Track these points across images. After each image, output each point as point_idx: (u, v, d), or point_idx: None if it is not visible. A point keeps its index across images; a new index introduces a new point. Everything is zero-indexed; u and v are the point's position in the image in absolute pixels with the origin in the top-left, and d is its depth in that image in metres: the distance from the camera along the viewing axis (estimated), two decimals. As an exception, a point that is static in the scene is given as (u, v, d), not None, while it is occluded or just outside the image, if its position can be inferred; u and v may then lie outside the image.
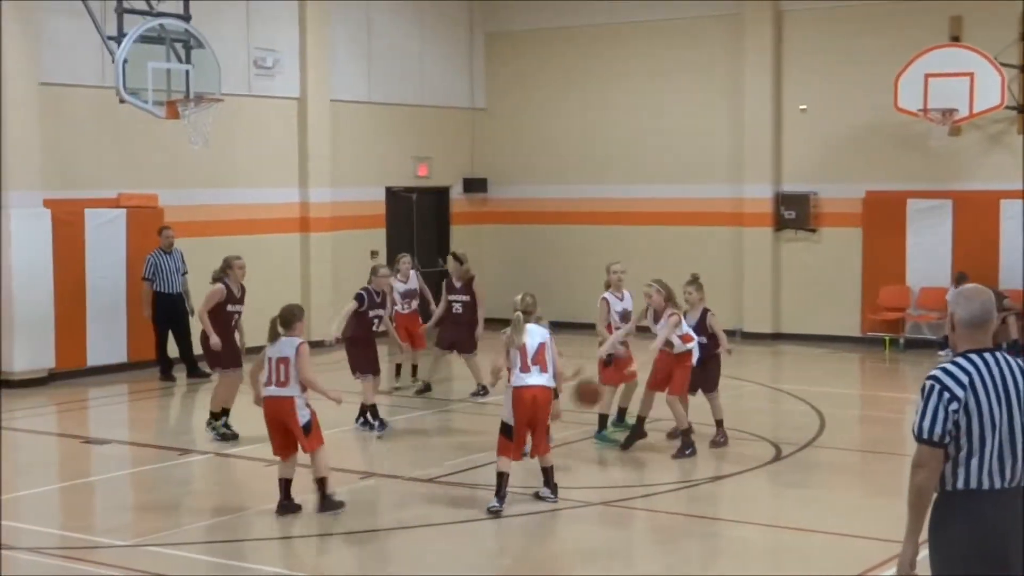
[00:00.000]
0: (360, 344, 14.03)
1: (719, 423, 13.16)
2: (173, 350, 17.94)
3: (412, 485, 11.65)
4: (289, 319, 10.64)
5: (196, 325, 17.66)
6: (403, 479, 11.87)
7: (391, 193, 22.84)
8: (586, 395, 11.65)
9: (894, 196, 20.67)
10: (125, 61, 15.91)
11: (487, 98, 24.53)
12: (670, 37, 22.65)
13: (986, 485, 5.38)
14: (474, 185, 24.23)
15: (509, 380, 10.45)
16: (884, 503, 11.42)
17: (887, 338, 20.59)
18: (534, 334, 10.57)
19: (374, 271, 14.53)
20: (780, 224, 21.73)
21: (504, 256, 24.14)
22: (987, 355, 5.46)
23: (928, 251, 20.44)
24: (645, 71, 22.91)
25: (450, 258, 16.76)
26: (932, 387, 5.42)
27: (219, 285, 13.75)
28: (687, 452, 12.56)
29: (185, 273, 17.93)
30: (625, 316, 13.46)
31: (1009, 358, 5.51)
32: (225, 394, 13.74)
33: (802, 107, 21.47)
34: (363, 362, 13.97)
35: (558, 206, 23.75)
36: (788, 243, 21.80)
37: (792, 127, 21.68)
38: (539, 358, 10.44)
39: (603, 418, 13.23)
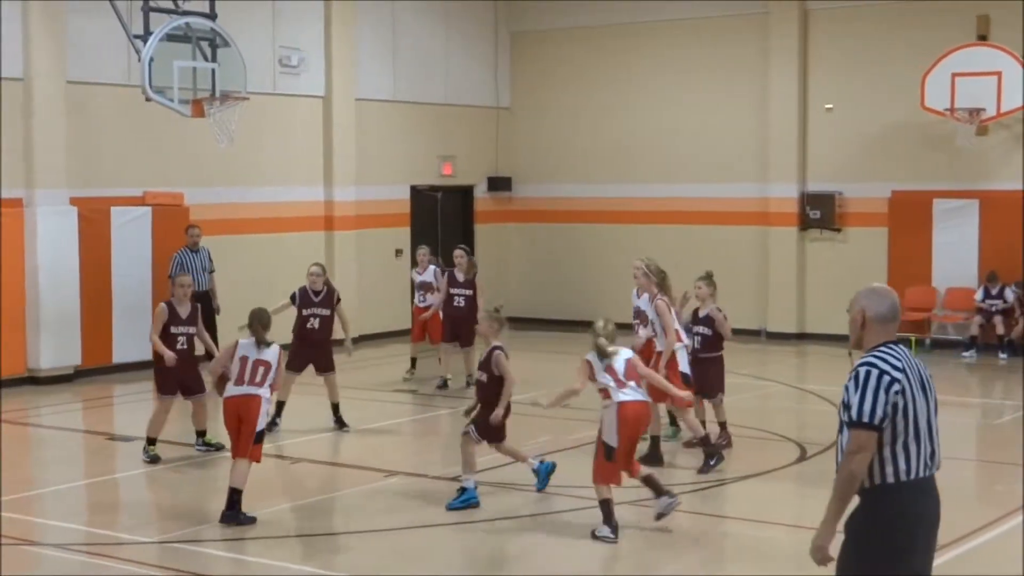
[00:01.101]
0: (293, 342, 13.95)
1: (722, 425, 12.83)
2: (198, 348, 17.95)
3: (436, 484, 11.65)
4: (268, 324, 10.62)
5: (222, 324, 17.82)
6: (428, 478, 11.87)
7: (416, 192, 22.86)
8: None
9: (920, 196, 20.58)
10: (151, 60, 15.96)
11: (512, 97, 24.53)
12: (696, 36, 22.60)
13: (918, 474, 5.49)
14: (498, 184, 24.23)
15: (606, 400, 9.99)
16: (909, 504, 11.38)
17: (913, 339, 20.46)
18: (620, 352, 10.21)
19: (309, 271, 14.22)
20: (805, 224, 21.66)
21: (528, 255, 24.15)
22: (902, 347, 5.58)
23: (954, 251, 20.33)
24: (670, 70, 22.87)
25: (462, 251, 16.67)
26: (868, 372, 5.46)
27: (162, 305, 12.86)
28: (712, 463, 11.91)
29: (212, 272, 17.99)
30: (638, 313, 13.32)
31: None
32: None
33: (828, 106, 21.40)
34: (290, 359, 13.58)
35: (582, 205, 23.73)
36: (813, 243, 21.73)
37: (818, 126, 21.61)
38: (631, 374, 10.11)
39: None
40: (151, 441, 12.72)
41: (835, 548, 5.63)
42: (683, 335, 12.27)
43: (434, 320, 16.85)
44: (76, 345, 17.45)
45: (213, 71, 16.53)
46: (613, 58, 23.37)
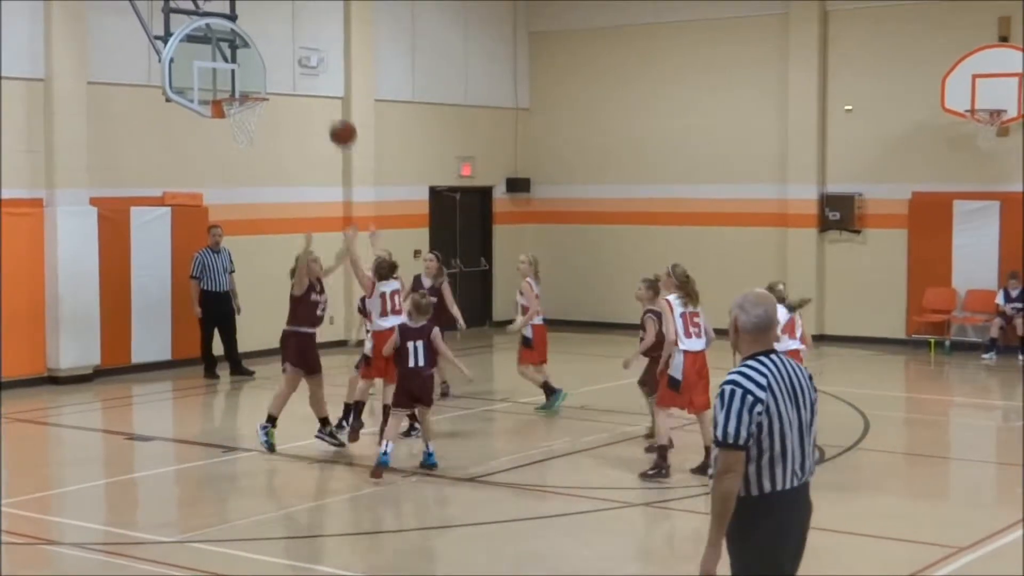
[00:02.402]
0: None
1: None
2: (218, 347, 18.03)
3: (455, 484, 11.65)
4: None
5: (242, 323, 17.87)
6: (447, 479, 11.87)
7: (434, 192, 22.87)
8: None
9: (941, 197, 20.50)
10: (171, 60, 16.00)
11: (531, 98, 24.52)
12: (715, 36, 22.56)
13: (789, 485, 5.49)
14: (517, 185, 24.22)
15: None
16: (928, 507, 11.35)
17: (932, 340, 20.42)
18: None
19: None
20: (825, 225, 21.59)
21: (547, 256, 24.01)
22: (773, 357, 5.54)
23: (975, 253, 20.24)
24: (689, 71, 22.84)
25: (433, 256, 16.19)
26: (733, 391, 5.43)
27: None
28: (651, 472, 11.65)
29: (232, 272, 18.04)
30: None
31: (788, 359, 5.64)
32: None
33: (848, 107, 21.34)
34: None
35: (601, 206, 23.70)
36: (832, 244, 21.67)
37: (837, 127, 21.54)
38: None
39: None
40: (272, 420, 12.73)
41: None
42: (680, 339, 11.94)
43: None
44: (95, 345, 17.50)
45: (233, 72, 16.56)
46: (632, 58, 23.34)
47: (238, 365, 17.97)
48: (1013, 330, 19.46)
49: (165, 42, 16.14)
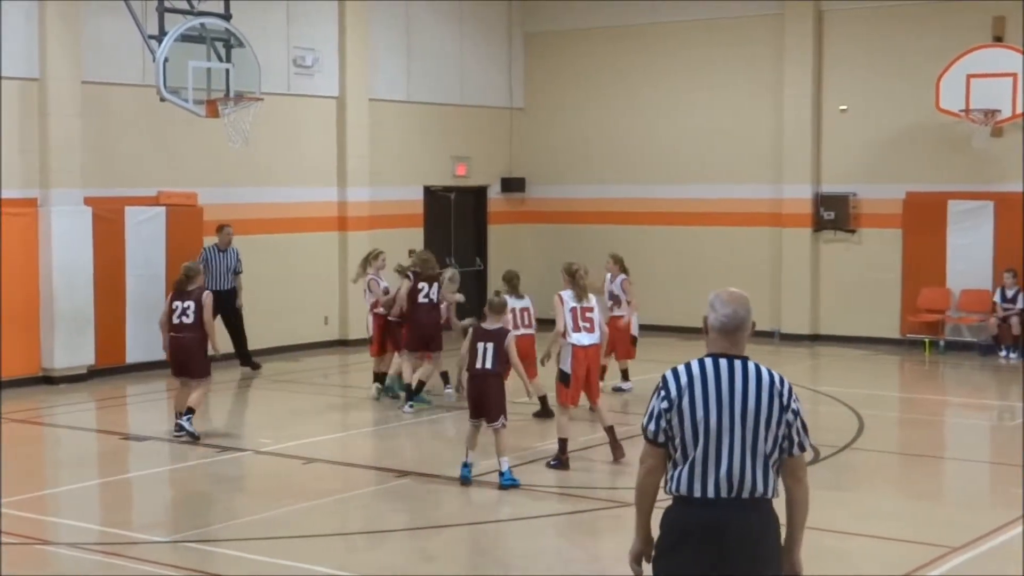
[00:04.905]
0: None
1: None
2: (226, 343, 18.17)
3: (448, 484, 11.65)
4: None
5: (247, 318, 17.98)
6: (441, 478, 11.86)
7: (429, 192, 22.86)
8: None
9: (935, 197, 20.52)
10: (166, 60, 16.00)
11: (526, 98, 24.52)
12: (710, 37, 22.57)
13: (714, 495, 5.20)
14: (512, 185, 24.22)
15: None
16: (923, 506, 11.36)
17: (927, 340, 20.44)
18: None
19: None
20: (819, 225, 21.61)
21: (542, 256, 24.09)
22: (725, 360, 5.28)
23: (969, 253, 20.26)
24: (684, 71, 22.85)
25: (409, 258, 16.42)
26: (656, 385, 5.36)
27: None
28: (552, 463, 12.11)
29: (239, 272, 18.23)
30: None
31: (760, 368, 5.31)
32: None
33: (842, 107, 21.36)
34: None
35: (596, 206, 23.71)
36: (827, 244, 21.68)
37: (832, 127, 21.56)
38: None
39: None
40: (414, 390, 14.75)
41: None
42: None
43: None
44: (90, 345, 17.48)
45: (227, 72, 16.57)
46: (627, 59, 23.35)
47: (247, 359, 18.13)
48: (1008, 329, 19.49)
49: (160, 42, 16.15)
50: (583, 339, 12.20)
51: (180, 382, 13.74)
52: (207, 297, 13.66)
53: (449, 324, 15.54)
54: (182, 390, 13.68)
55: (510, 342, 11.56)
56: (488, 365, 11.36)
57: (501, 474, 11.29)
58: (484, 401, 11.34)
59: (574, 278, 12.47)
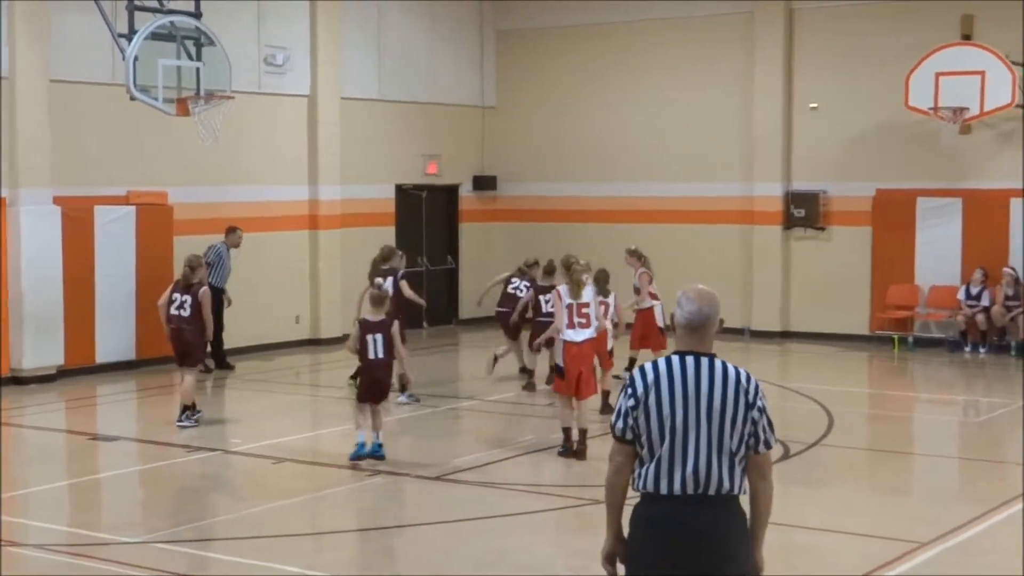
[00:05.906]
0: None
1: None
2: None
3: (420, 482, 11.65)
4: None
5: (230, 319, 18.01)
6: (411, 476, 11.86)
7: (401, 191, 22.84)
8: None
9: (904, 195, 20.63)
10: (135, 58, 15.91)
11: (497, 96, 24.52)
12: (681, 35, 22.62)
13: (681, 491, 5.23)
14: (484, 183, 24.23)
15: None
16: (892, 501, 11.43)
17: (896, 337, 20.54)
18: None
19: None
20: (790, 222, 21.69)
21: (513, 254, 24.03)
22: (691, 358, 5.31)
23: (938, 250, 20.38)
24: (656, 69, 22.89)
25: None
26: (625, 385, 5.41)
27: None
28: (560, 452, 12.52)
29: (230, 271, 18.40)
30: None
31: (727, 366, 5.34)
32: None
33: (812, 105, 21.45)
34: None
35: (568, 204, 23.73)
36: (797, 241, 21.77)
37: (802, 125, 21.65)
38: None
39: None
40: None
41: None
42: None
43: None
44: (59, 345, 17.38)
45: (198, 70, 16.48)
46: (599, 57, 23.37)
47: (222, 360, 18.16)
48: (975, 326, 19.62)
49: (129, 40, 16.04)
50: (575, 335, 12.30)
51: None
52: (204, 295, 14.11)
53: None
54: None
55: (395, 331, 12.17)
56: (380, 355, 12.11)
57: (378, 445, 12.27)
58: (379, 387, 12.27)
59: (569, 271, 12.67)
